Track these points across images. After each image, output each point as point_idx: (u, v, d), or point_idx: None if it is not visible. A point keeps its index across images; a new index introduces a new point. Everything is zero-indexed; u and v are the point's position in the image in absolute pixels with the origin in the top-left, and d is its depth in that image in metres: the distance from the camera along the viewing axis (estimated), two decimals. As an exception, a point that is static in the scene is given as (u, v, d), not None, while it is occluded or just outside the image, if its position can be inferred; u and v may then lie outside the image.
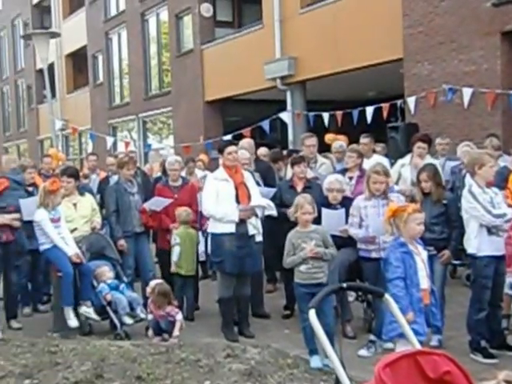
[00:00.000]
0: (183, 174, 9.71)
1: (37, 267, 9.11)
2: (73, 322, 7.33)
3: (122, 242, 8.29)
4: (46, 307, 9.11)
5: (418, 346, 3.41)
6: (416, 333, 4.03)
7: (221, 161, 7.74)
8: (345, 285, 3.71)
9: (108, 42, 25.90)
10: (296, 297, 6.66)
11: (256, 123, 15.17)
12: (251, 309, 7.94)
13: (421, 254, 5.25)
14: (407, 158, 8.96)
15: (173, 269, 8.25)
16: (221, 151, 7.49)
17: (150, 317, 7.29)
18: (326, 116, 13.76)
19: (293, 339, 7.11)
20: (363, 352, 6.51)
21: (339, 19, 14.37)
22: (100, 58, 26.64)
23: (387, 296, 3.62)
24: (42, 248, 7.60)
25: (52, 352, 6.38)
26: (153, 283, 7.41)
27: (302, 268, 6.30)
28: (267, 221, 7.84)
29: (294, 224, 6.59)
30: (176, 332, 7.05)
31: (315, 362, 6.12)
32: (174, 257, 8.20)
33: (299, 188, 8.07)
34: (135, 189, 8.64)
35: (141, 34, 23.23)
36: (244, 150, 8.67)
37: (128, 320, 7.43)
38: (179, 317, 7.17)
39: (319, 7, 15.07)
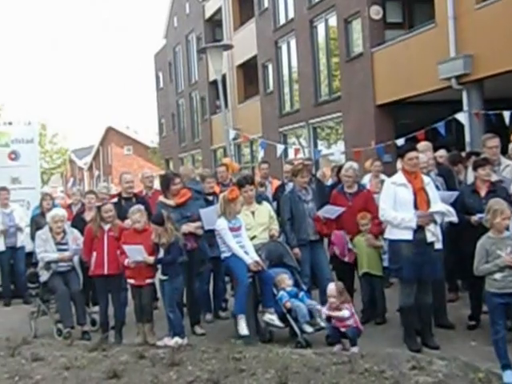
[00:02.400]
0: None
1: (217, 274, 9.37)
2: (244, 330, 7.41)
3: (296, 250, 8.32)
4: (227, 314, 9.33)
5: None
6: None
7: (399, 165, 7.53)
8: None
9: (277, 51, 26.32)
10: (488, 307, 6.28)
11: (429, 125, 14.65)
12: (434, 319, 7.62)
13: None
14: None
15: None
16: (401, 156, 7.28)
17: (322, 324, 7.27)
18: (506, 115, 12.99)
19: (481, 352, 6.75)
20: None
21: (519, 12, 13.55)
22: (270, 66, 27.14)
23: None
24: (223, 256, 7.78)
25: (236, 359, 6.51)
26: (331, 285, 7.35)
27: (497, 276, 5.95)
28: (448, 227, 7.49)
29: (484, 230, 6.24)
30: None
31: (509, 377, 5.74)
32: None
33: (483, 192, 7.67)
34: (310, 196, 8.65)
35: (309, 41, 23.36)
36: (422, 153, 8.37)
37: (308, 328, 7.41)
38: (346, 314, 7.05)
39: (496, 1, 14.30)
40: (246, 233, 7.92)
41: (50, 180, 60.37)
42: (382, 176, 10.39)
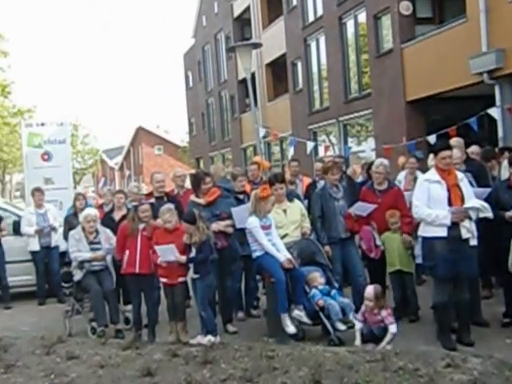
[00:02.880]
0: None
1: (249, 273, 9.38)
2: (290, 328, 7.41)
3: (327, 248, 8.31)
4: (259, 312, 9.33)
5: None
6: None
7: (432, 162, 7.47)
8: None
9: (306, 49, 26.25)
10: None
11: (461, 121, 14.51)
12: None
13: None
14: None
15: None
16: (435, 153, 7.21)
17: (358, 325, 7.21)
18: (541, 109, 12.82)
19: (516, 349, 6.67)
20: None
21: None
22: (299, 64, 27.07)
23: None
24: (254, 255, 7.78)
25: (269, 357, 6.51)
26: (370, 288, 7.31)
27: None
28: (482, 223, 7.41)
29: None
30: (383, 344, 6.92)
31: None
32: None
33: (518, 188, 7.57)
34: (340, 194, 8.62)
35: (339, 38, 23.25)
36: (455, 149, 8.28)
37: (341, 326, 7.38)
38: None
39: (529, -7, 14.10)
40: (278, 231, 7.92)
41: (82, 180, 61.05)
42: (418, 173, 10.31)
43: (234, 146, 36.41)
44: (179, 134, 56.91)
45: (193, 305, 9.01)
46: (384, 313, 7.06)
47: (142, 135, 62.91)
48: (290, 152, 23.34)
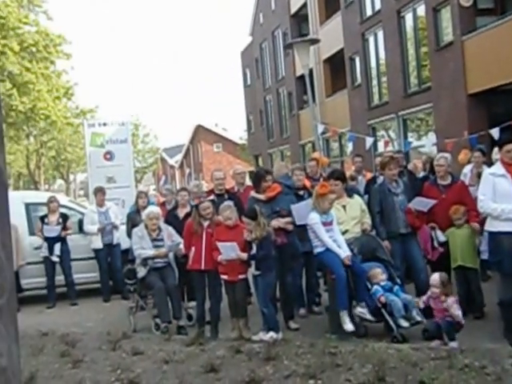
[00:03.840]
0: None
1: (310, 269, 9.37)
2: (348, 326, 7.36)
3: (386, 243, 8.22)
4: (320, 308, 9.31)
5: None
6: None
7: (497, 156, 7.31)
8: None
9: (365, 43, 26.04)
10: None
11: (525, 113, 14.16)
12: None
13: None
14: None
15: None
16: (499, 146, 7.06)
17: (418, 318, 7.15)
18: None
19: None
20: None
21: None
22: (357, 59, 26.88)
23: None
24: (316, 251, 7.76)
25: (332, 353, 6.49)
26: (435, 274, 7.20)
27: None
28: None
29: None
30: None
31: None
32: None
33: None
34: (400, 189, 8.53)
35: (397, 32, 22.98)
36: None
37: (404, 323, 7.31)
38: (459, 317, 6.88)
39: None
40: (338, 227, 7.88)
41: (143, 179, 62.09)
42: (484, 167, 10.11)
43: (293, 143, 36.38)
44: (237, 131, 57.31)
45: (254, 302, 9.05)
46: (450, 300, 6.92)
47: (201, 133, 63.51)
48: (349, 148, 23.17)
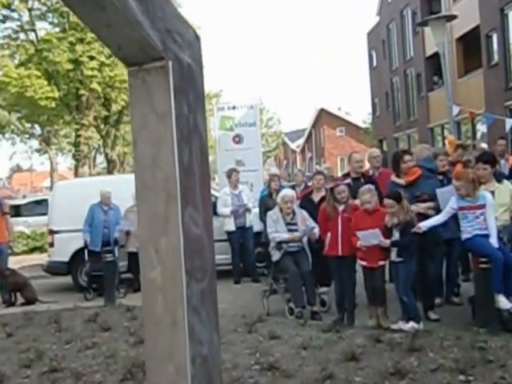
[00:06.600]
0: None
1: (451, 257, 8.93)
2: (503, 303, 6.94)
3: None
4: (460, 299, 8.86)
5: None
6: None
7: None
8: None
9: (503, 19, 24.64)
10: None
11: None
12: None
13: None
14: None
15: None
16: None
17: None
18: None
19: None
20: None
21: None
22: (494, 36, 25.54)
23: None
24: (463, 237, 7.32)
25: (481, 348, 6.09)
26: None
27: None
28: None
29: None
30: None
31: None
32: None
33: None
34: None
35: (539, 6, 21.62)
36: None
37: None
38: None
39: None
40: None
41: (266, 163, 62.54)
42: None
43: (421, 126, 35.28)
44: (361, 115, 56.49)
45: (388, 289, 8.71)
46: None
47: (323, 117, 63.08)
48: (482, 130, 22.09)
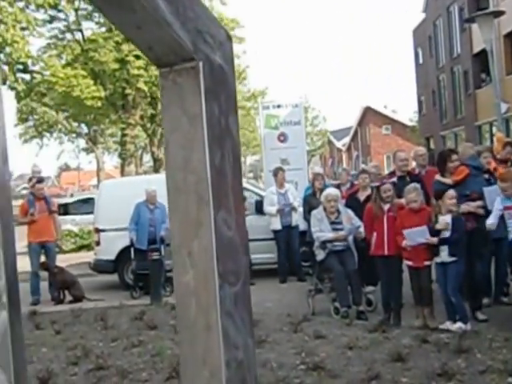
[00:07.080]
0: None
1: (500, 256, 8.74)
2: None
3: None
4: (509, 299, 8.70)
5: None
6: None
7: None
8: None
9: (552, 15, 24.13)
10: None
11: None
12: None
13: None
14: None
15: None
16: None
17: None
18: None
19: None
20: None
21: None
22: (545, 32, 25.02)
23: None
24: (510, 236, 7.21)
25: (532, 350, 5.98)
26: None
27: None
28: None
29: None
30: None
31: None
32: None
33: None
34: None
35: None
36: None
37: None
38: None
39: None
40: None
41: (311, 161, 62.35)
42: None
43: (468, 124, 34.73)
44: (407, 113, 55.92)
45: (434, 289, 8.59)
46: None
47: (369, 115, 62.67)
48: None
